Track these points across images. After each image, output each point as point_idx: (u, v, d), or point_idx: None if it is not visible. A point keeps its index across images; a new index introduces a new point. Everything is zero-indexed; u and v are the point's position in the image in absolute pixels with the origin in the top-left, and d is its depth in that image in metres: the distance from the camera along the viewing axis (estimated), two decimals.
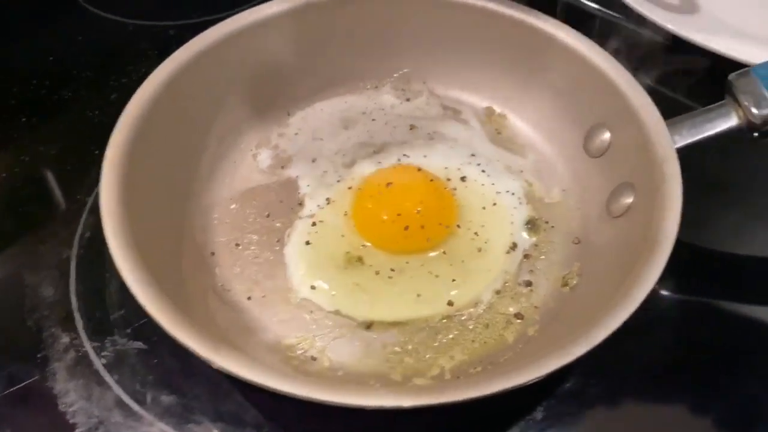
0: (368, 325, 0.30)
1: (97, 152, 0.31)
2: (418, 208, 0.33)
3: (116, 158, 0.30)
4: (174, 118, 0.33)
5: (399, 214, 0.32)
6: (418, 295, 0.31)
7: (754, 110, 0.30)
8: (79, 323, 0.32)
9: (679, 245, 0.27)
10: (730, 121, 0.31)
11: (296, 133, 0.39)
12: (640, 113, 0.32)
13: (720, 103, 0.31)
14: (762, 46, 0.36)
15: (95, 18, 0.49)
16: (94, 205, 0.36)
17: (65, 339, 0.32)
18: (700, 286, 0.35)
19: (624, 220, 0.31)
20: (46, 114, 0.43)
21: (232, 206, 0.35)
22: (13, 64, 0.46)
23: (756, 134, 0.31)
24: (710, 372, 0.31)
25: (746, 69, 0.31)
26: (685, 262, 0.30)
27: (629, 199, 0.31)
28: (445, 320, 0.30)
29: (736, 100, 0.31)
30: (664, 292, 0.34)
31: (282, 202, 0.35)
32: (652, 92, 0.32)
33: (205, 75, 0.35)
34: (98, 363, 0.31)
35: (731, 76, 0.31)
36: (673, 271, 0.26)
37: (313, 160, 0.37)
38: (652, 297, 0.26)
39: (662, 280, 0.26)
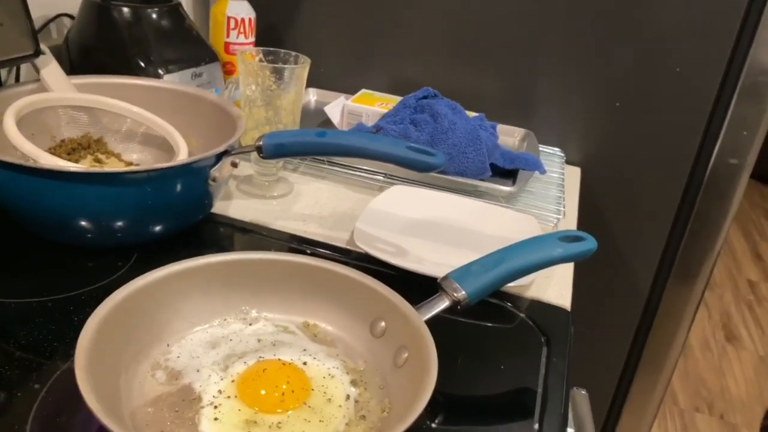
0: None
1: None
2: (287, 381, 0.50)
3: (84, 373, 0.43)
4: (99, 359, 0.46)
5: (276, 386, 0.50)
6: None
7: (454, 294, 0.57)
8: None
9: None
10: (444, 303, 0.57)
11: (178, 356, 0.54)
12: (399, 306, 0.56)
13: (437, 294, 0.57)
14: (443, 267, 0.64)
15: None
16: None
17: None
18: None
19: (406, 366, 0.53)
20: None
21: (149, 409, 0.48)
22: None
23: (459, 307, 0.57)
24: None
25: (446, 275, 0.58)
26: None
27: (405, 354, 0.54)
28: None
29: (444, 291, 0.57)
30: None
31: (184, 400, 0.49)
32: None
33: (112, 332, 0.49)
34: None
35: (438, 280, 0.58)
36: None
37: (197, 371, 0.52)
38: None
39: None
